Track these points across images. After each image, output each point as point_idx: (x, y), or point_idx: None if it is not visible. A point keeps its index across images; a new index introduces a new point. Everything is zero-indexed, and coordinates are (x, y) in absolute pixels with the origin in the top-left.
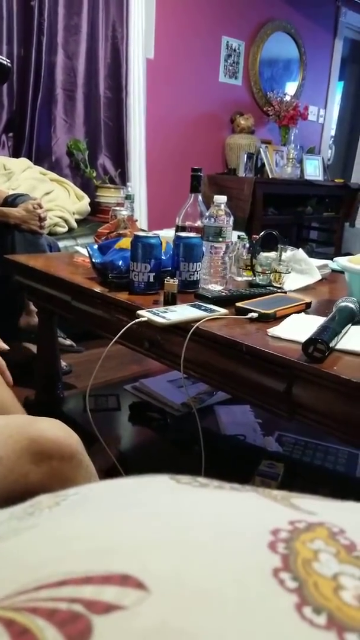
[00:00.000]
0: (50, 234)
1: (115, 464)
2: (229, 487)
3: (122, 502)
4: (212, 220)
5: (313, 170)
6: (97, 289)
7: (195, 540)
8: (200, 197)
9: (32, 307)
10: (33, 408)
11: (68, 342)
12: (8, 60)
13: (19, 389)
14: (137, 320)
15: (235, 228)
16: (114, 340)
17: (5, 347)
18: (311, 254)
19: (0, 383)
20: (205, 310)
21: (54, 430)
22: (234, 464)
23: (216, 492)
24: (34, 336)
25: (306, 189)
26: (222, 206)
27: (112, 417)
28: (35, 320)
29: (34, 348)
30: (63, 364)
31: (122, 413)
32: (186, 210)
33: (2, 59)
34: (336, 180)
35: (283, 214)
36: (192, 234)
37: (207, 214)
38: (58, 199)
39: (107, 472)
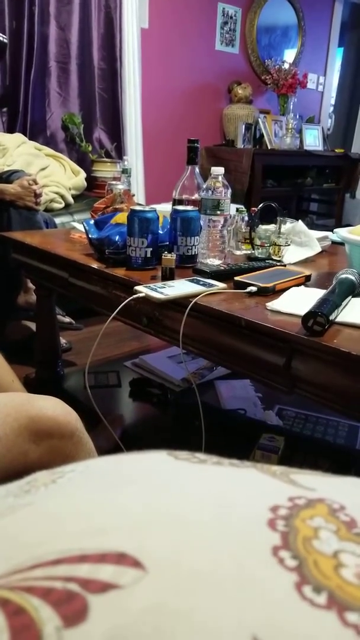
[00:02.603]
0: (46, 210)
1: (117, 442)
2: (228, 462)
3: (118, 480)
4: (210, 192)
5: (313, 140)
6: (94, 265)
7: (193, 519)
8: (197, 169)
9: (30, 285)
10: (33, 386)
11: (67, 319)
12: (5, 36)
13: (18, 366)
14: (134, 296)
15: (233, 201)
16: (111, 316)
17: None
18: (311, 226)
19: None
20: (204, 285)
21: (53, 409)
22: (234, 438)
23: (215, 469)
24: (33, 314)
25: (306, 159)
26: (220, 178)
27: (112, 393)
28: (33, 298)
29: (32, 326)
30: (62, 341)
31: (123, 389)
32: (183, 183)
33: None
34: (336, 151)
35: (282, 185)
36: (189, 207)
37: (204, 186)
38: (54, 175)
39: (109, 449)
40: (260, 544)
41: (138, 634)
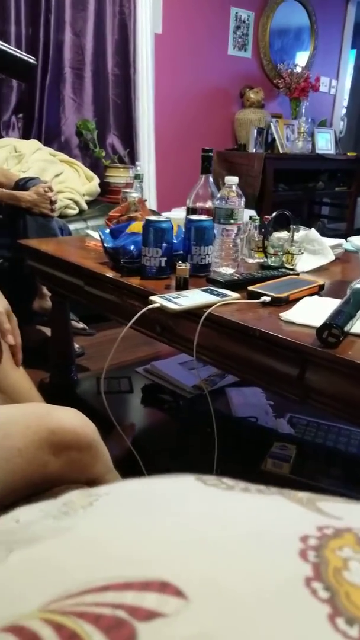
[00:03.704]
0: (60, 216)
1: (130, 448)
2: (255, 489)
3: (153, 506)
4: (224, 202)
5: (325, 143)
6: (109, 274)
7: (229, 549)
8: (211, 179)
9: (45, 291)
10: (47, 391)
11: (80, 325)
12: (33, 58)
13: (32, 371)
14: (149, 306)
15: (245, 205)
16: (127, 326)
17: (8, 326)
18: (323, 230)
19: (16, 368)
20: (218, 295)
21: (72, 421)
22: (246, 446)
23: (244, 496)
24: (47, 319)
25: (318, 163)
26: (234, 187)
27: (124, 399)
28: (48, 303)
29: (47, 331)
30: (76, 346)
31: (135, 395)
32: (197, 192)
33: (26, 56)
34: (349, 154)
35: (294, 189)
36: (203, 217)
37: (218, 195)
38: (68, 181)
39: (122, 456)
40: (294, 575)
41: None
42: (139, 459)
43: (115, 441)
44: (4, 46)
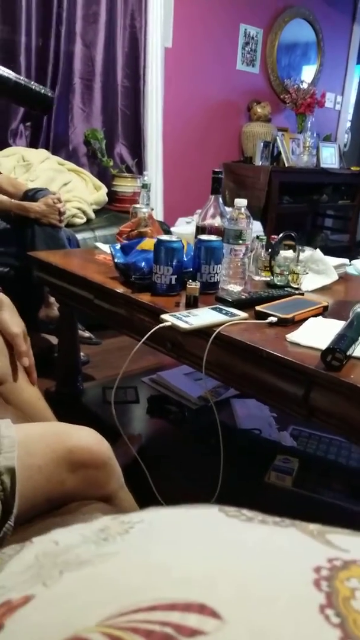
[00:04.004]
0: (68, 225)
1: (135, 458)
2: (272, 521)
3: (185, 534)
4: (233, 223)
5: (329, 157)
6: (120, 289)
7: (254, 577)
8: (220, 199)
9: (52, 300)
10: (53, 400)
11: (87, 334)
12: (52, 92)
13: (38, 379)
14: (161, 325)
15: (250, 217)
16: (140, 343)
17: (24, 348)
18: (326, 241)
19: (25, 380)
20: (226, 314)
21: (88, 440)
22: (250, 458)
23: (263, 528)
24: (53, 327)
25: (322, 177)
26: (243, 209)
27: (130, 409)
28: (54, 312)
29: (52, 339)
30: (81, 354)
31: (141, 405)
32: (207, 211)
33: (45, 89)
34: (352, 169)
35: (298, 202)
36: (213, 237)
37: (227, 216)
38: (76, 190)
39: (128, 466)
40: (311, 603)
41: None
42: (145, 469)
43: (121, 450)
44: (27, 82)
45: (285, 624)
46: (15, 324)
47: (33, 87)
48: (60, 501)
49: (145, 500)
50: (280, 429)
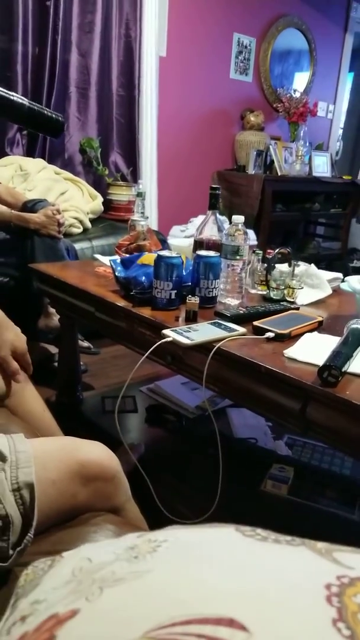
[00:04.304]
0: (65, 235)
1: (136, 465)
2: (284, 541)
3: (209, 553)
4: (231, 239)
5: (321, 166)
6: (121, 303)
7: (277, 593)
8: (217, 214)
9: (51, 310)
10: (54, 410)
11: (86, 344)
12: (62, 116)
13: (37, 389)
14: (162, 340)
15: (244, 225)
16: (143, 357)
17: (14, 367)
18: (318, 249)
19: (30, 393)
20: (225, 329)
21: (99, 454)
22: (246, 466)
23: (276, 547)
24: (52, 337)
25: (314, 185)
26: (240, 226)
27: (129, 418)
28: (53, 322)
29: (51, 348)
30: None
31: (139, 414)
32: (204, 226)
33: (56, 114)
34: (344, 177)
35: (291, 210)
36: (211, 253)
37: (225, 232)
38: (72, 199)
39: (128, 475)
40: (325, 617)
41: None
42: (147, 477)
43: (122, 459)
44: (40, 108)
45: (304, 636)
46: (3, 344)
47: (45, 112)
48: (72, 513)
49: (147, 508)
50: (276, 438)
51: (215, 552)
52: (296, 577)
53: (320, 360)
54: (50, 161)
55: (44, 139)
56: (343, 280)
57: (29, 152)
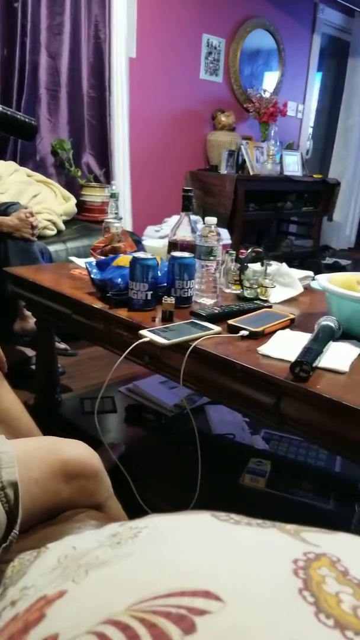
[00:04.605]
0: (39, 237)
1: (116, 464)
2: (255, 523)
3: (186, 536)
4: (204, 240)
5: (292, 165)
6: (98, 305)
7: (248, 568)
8: (190, 215)
9: (26, 312)
10: (33, 412)
11: (62, 345)
12: (34, 120)
13: (15, 391)
14: (140, 340)
15: (218, 224)
16: (121, 358)
17: None
18: (291, 247)
19: (9, 393)
20: (201, 328)
21: (80, 452)
22: (225, 461)
23: (249, 529)
24: (28, 340)
25: (286, 184)
26: (213, 227)
27: (109, 418)
28: (29, 325)
29: (27, 351)
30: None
31: (118, 414)
32: (178, 228)
33: (29, 118)
34: (315, 176)
35: (264, 209)
36: (185, 254)
37: (198, 233)
38: (45, 202)
39: (110, 473)
40: (292, 587)
41: None
42: (127, 475)
43: (103, 457)
44: (13, 112)
45: (274, 602)
46: None
47: (19, 117)
48: (55, 510)
49: (129, 505)
50: (253, 433)
51: (193, 535)
52: (266, 554)
53: (292, 357)
54: (21, 163)
55: (14, 141)
56: (314, 279)
57: (0, 155)
